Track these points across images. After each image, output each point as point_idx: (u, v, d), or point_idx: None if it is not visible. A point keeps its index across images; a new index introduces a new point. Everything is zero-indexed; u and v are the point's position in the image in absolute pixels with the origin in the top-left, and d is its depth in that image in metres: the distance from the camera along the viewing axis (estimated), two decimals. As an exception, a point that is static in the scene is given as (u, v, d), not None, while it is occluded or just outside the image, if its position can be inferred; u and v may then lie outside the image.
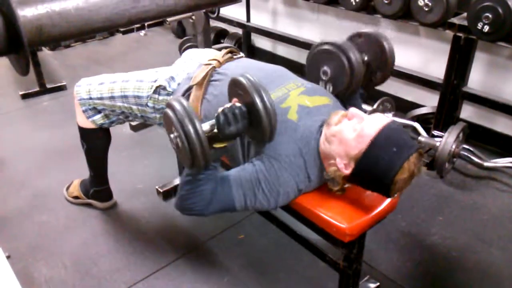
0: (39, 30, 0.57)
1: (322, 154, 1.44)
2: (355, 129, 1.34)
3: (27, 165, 2.62)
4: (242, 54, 1.83)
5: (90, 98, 1.86)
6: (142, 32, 4.86)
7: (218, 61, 1.70)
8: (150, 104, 1.76)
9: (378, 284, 1.83)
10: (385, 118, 1.36)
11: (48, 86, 3.51)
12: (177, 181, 2.39)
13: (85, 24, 0.61)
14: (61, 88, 3.56)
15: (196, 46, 3.41)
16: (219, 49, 2.90)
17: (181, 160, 1.34)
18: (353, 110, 1.38)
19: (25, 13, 0.57)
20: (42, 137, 2.92)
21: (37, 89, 3.47)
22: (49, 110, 3.31)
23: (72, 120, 3.11)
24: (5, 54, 0.59)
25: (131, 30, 4.84)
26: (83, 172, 2.26)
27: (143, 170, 2.57)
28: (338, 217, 1.40)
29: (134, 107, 1.79)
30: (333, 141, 1.38)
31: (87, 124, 1.93)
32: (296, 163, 1.41)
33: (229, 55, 1.76)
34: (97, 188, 2.20)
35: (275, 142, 1.38)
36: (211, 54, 1.90)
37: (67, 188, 2.33)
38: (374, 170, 1.32)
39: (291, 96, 1.53)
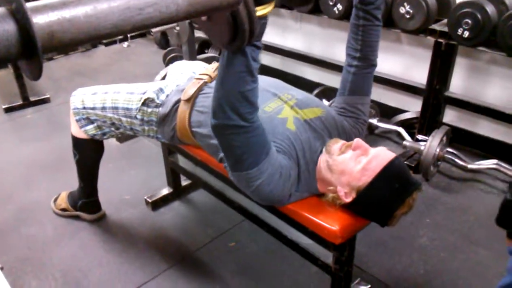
0: (50, 36, 0.59)
1: (320, 179, 1.48)
2: (359, 161, 1.37)
3: (12, 179, 2.59)
4: None
5: (84, 108, 1.87)
6: (125, 44, 4.87)
7: (210, 76, 1.72)
8: (138, 117, 1.77)
9: (369, 286, 1.84)
10: (390, 153, 1.39)
11: (32, 99, 3.48)
12: (165, 191, 2.39)
13: (93, 30, 0.62)
14: (44, 101, 3.53)
15: (180, 57, 3.43)
16: (206, 60, 2.91)
17: (213, 35, 1.10)
18: (358, 141, 1.40)
19: (38, 20, 0.59)
20: (27, 150, 2.89)
21: (20, 102, 3.44)
22: (33, 123, 3.28)
23: (57, 132, 3.13)
24: (17, 60, 0.61)
25: (114, 42, 4.84)
26: (70, 184, 2.25)
27: (130, 181, 2.56)
28: (329, 220, 1.42)
29: (124, 119, 1.80)
30: (336, 170, 1.41)
31: (80, 134, 1.93)
32: (291, 168, 1.43)
33: None
34: (86, 200, 2.18)
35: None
36: (201, 68, 1.90)
37: (55, 200, 2.31)
38: (376, 203, 1.37)
39: (285, 108, 1.55)
